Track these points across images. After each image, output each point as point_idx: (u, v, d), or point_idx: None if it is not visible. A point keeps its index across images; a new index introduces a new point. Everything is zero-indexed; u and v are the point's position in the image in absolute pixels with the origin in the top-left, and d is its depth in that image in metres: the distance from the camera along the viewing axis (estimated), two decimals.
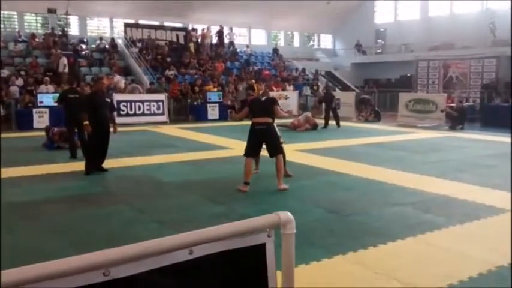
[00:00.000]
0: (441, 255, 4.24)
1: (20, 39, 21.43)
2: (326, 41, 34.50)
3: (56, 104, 11.78)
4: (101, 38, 23.45)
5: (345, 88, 25.34)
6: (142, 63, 21.46)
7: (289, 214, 1.51)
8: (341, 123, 16.13)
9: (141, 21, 24.98)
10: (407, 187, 6.95)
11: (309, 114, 15.82)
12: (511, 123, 13.62)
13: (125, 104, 16.92)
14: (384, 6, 30.54)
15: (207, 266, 1.36)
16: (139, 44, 23.04)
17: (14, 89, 16.63)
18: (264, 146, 6.88)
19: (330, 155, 9.75)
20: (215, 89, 20.01)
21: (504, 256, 4.13)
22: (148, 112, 17.47)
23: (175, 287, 1.31)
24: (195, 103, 18.89)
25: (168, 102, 18.08)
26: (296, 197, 6.34)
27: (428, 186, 6.97)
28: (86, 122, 7.74)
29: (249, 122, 6.89)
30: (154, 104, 17.63)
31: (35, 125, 14.73)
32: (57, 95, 12.93)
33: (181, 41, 24.63)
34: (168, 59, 22.53)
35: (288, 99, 19.67)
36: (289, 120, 14.02)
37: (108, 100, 8.58)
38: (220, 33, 26.11)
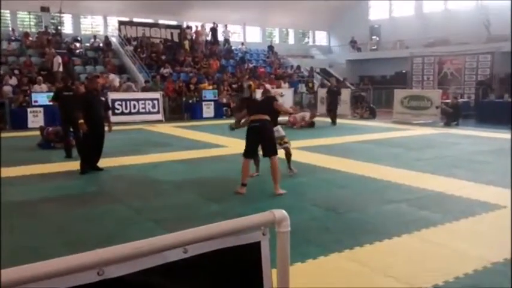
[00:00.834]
0: (437, 252, 4.25)
1: (13, 38, 21.30)
2: (321, 37, 34.52)
3: (50, 103, 11.73)
4: (95, 37, 23.36)
5: (341, 85, 25.35)
6: (137, 61, 21.39)
7: (284, 212, 1.51)
8: (337, 120, 16.16)
9: (136, 19, 24.88)
10: (403, 184, 6.97)
11: (307, 113, 15.77)
12: (511, 120, 13.63)
13: (120, 102, 16.89)
14: (379, 2, 30.56)
15: (201, 265, 1.35)
16: (133, 42, 22.95)
17: (8, 89, 16.53)
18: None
19: (326, 152, 9.76)
20: (210, 87, 19.99)
21: (499, 252, 4.15)
22: (144, 111, 17.44)
23: (170, 286, 1.31)
24: (190, 101, 18.86)
25: (163, 101, 18.05)
26: (292, 194, 6.34)
27: (423, 182, 6.99)
28: (81, 121, 7.71)
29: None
30: (150, 102, 17.61)
31: (30, 125, 14.68)
32: (52, 94, 12.90)
33: (176, 39, 24.56)
34: (163, 57, 22.47)
35: (283, 97, 19.65)
36: (285, 118, 14.01)
37: (103, 99, 8.56)
38: (213, 31, 26.06)
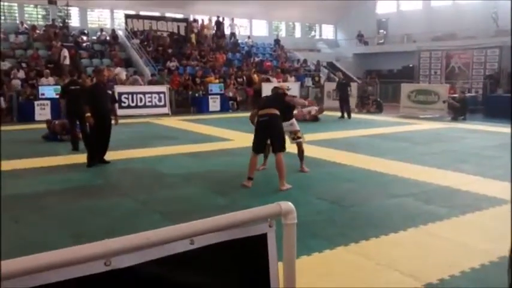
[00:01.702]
0: (443, 246, 4.24)
1: (20, 31, 21.36)
2: (328, 31, 34.34)
3: (57, 97, 11.78)
4: (101, 30, 23.37)
5: (347, 79, 25.25)
6: (144, 54, 21.40)
7: (291, 204, 1.51)
8: (351, 114, 16.15)
9: (142, 13, 24.87)
10: (409, 178, 6.95)
11: (314, 107, 15.73)
12: (511, 114, 13.55)
13: (126, 96, 16.92)
14: None
15: (208, 256, 1.36)
16: (140, 36, 22.96)
17: (16, 82, 16.62)
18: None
19: (332, 146, 9.74)
20: (216, 81, 19.98)
21: (506, 247, 4.12)
22: (150, 104, 17.46)
23: (177, 277, 1.31)
24: (197, 95, 18.86)
25: (170, 94, 18.06)
26: (298, 188, 6.34)
27: (430, 177, 6.97)
28: (88, 114, 7.72)
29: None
30: (156, 95, 17.62)
31: (37, 118, 14.74)
32: (59, 87, 12.94)
33: (182, 32, 24.54)
34: (169, 51, 22.46)
35: (290, 91, 19.64)
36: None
37: (110, 92, 8.57)
38: (218, 24, 26.01)
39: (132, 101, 17.08)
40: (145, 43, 22.45)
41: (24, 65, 18.39)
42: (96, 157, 7.97)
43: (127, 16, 23.94)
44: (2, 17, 22.48)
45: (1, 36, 19.41)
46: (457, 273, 3.62)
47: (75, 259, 1.15)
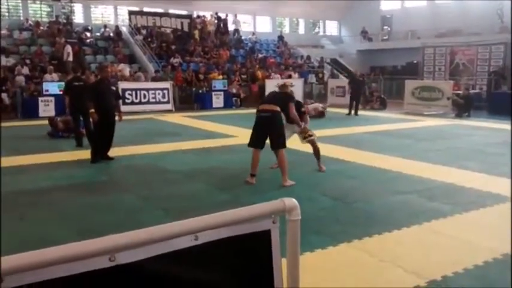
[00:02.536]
0: (446, 243, 4.24)
1: (24, 27, 21.40)
2: (332, 27, 34.23)
3: (61, 93, 11.81)
4: (105, 26, 23.38)
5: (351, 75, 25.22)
6: (147, 51, 21.41)
7: (294, 200, 1.51)
8: (346, 110, 16.08)
9: (146, 9, 24.88)
10: (413, 175, 6.94)
11: (319, 105, 15.76)
12: (511, 111, 13.49)
13: (130, 92, 16.94)
14: None
15: (212, 252, 1.36)
16: (143, 32, 22.96)
17: (20, 78, 16.67)
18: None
19: (335, 143, 9.73)
20: (220, 77, 19.98)
21: (510, 244, 4.12)
22: (154, 100, 17.48)
23: (181, 273, 1.32)
24: (200, 91, 18.87)
25: (173, 91, 18.07)
26: (302, 185, 6.34)
27: (434, 174, 6.95)
28: (92, 110, 7.74)
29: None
30: (160, 92, 17.64)
31: (41, 114, 14.76)
32: (62, 83, 12.96)
33: (186, 28, 24.53)
34: (173, 47, 22.46)
35: (293, 87, 19.64)
36: None
37: (114, 88, 8.58)
38: (219, 20, 25.96)
39: (136, 97, 17.11)
40: (149, 39, 22.46)
41: (28, 61, 18.43)
42: (99, 153, 7.99)
43: (131, 12, 23.94)
44: (6, 14, 22.52)
45: (1, 32, 19.40)
46: (461, 271, 3.62)
47: (79, 254, 1.16)
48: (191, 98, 18.88)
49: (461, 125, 13.32)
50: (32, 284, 1.11)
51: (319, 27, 34.43)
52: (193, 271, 1.34)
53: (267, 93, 10.70)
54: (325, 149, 8.99)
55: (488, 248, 4.07)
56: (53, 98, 15.05)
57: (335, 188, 6.27)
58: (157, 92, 17.58)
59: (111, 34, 22.83)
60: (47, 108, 14.93)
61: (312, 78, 23.78)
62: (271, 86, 17.36)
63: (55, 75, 16.83)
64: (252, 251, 1.48)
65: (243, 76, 21.36)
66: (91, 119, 8.06)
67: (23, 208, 5.33)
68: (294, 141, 7.46)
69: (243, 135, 10.36)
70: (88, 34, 22.42)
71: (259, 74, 21.11)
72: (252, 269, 1.50)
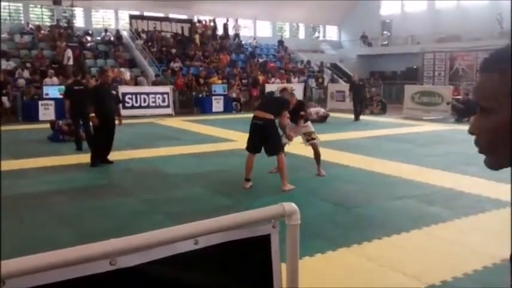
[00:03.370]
0: (446, 248, 4.24)
1: (25, 31, 21.45)
2: (332, 32, 34.32)
3: (61, 97, 11.83)
4: (106, 30, 23.45)
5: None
6: (148, 55, 21.46)
7: (294, 205, 1.51)
8: (346, 115, 16.10)
9: (146, 13, 24.95)
10: (412, 180, 6.94)
11: (321, 109, 15.78)
12: (511, 116, 13.48)
13: (130, 96, 16.97)
14: None
15: (212, 256, 1.37)
16: (144, 36, 23.01)
17: (21, 82, 16.70)
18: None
19: (335, 148, 9.73)
20: (220, 81, 20.01)
21: (509, 249, 4.12)
22: (154, 104, 17.51)
23: (181, 277, 1.32)
24: (200, 95, 18.89)
25: (173, 95, 18.10)
26: (301, 189, 6.34)
27: (433, 179, 6.96)
28: (92, 114, 7.76)
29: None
30: (160, 96, 17.67)
31: (41, 117, 14.79)
32: (63, 87, 12.99)
33: (186, 33, 24.59)
34: (173, 51, 22.51)
35: (294, 92, 19.67)
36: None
37: (114, 92, 8.60)
38: (214, 23, 25.95)
39: (136, 102, 17.14)
40: (150, 44, 22.52)
41: (28, 65, 18.47)
42: (99, 157, 7.99)
43: (131, 17, 24.02)
44: (8, 17, 22.58)
45: (1, 36, 19.44)
46: (460, 275, 3.62)
47: (80, 258, 1.16)
48: (191, 102, 18.91)
49: (461, 130, 13.31)
50: (33, 287, 1.11)
51: (319, 32, 34.52)
52: (194, 275, 1.35)
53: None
54: (324, 154, 8.99)
55: (488, 253, 4.07)
56: (53, 102, 15.08)
57: (334, 193, 6.27)
58: (157, 96, 17.62)
59: (112, 38, 22.88)
60: (47, 112, 14.95)
61: (312, 82, 23.82)
62: (272, 90, 17.41)
63: (55, 79, 16.86)
64: (251, 255, 1.49)
65: (243, 81, 21.40)
66: (91, 123, 8.08)
67: (23, 212, 5.33)
68: (293, 146, 7.47)
69: (242, 139, 10.33)
70: (89, 38, 22.48)
71: (260, 78, 21.14)
72: (252, 274, 1.50)
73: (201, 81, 19.72)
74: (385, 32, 30.89)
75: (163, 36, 23.61)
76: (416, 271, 3.71)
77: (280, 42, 28.17)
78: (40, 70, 17.97)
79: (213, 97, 18.63)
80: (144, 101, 17.32)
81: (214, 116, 17.13)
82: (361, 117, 16.32)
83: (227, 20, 26.62)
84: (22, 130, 12.82)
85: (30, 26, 22.10)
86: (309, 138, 7.26)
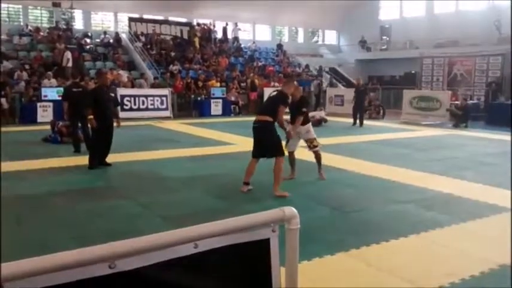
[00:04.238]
0: (443, 253, 4.24)
1: (24, 33, 21.44)
2: (330, 37, 34.39)
3: (60, 98, 11.82)
4: (105, 32, 23.45)
5: (349, 85, 25.29)
6: (147, 57, 21.46)
7: (294, 209, 1.52)
8: (344, 119, 16.10)
9: (146, 16, 24.97)
10: (410, 185, 6.95)
11: (321, 112, 15.82)
12: (511, 122, 13.54)
13: (128, 98, 16.97)
14: (389, 2, 30.39)
15: (211, 260, 1.37)
16: (143, 39, 23.02)
17: (20, 83, 16.67)
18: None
19: (333, 152, 9.73)
20: (218, 84, 20.02)
21: (506, 255, 4.13)
22: (152, 107, 17.51)
23: (180, 281, 1.32)
24: (199, 98, 18.90)
25: (172, 97, 18.10)
26: (299, 193, 6.34)
27: (431, 184, 6.97)
28: (91, 117, 7.76)
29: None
30: (158, 98, 17.67)
31: (39, 119, 14.78)
32: (61, 89, 12.98)
33: (185, 36, 24.61)
34: (172, 54, 22.52)
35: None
36: None
37: (112, 95, 8.60)
38: (209, 30, 25.87)
39: (135, 104, 17.14)
40: (149, 46, 22.53)
41: (27, 66, 18.45)
42: (97, 159, 7.98)
43: (131, 19, 24.04)
44: (7, 19, 22.58)
45: (1, 37, 19.43)
46: (457, 281, 3.62)
47: (79, 261, 1.16)
48: (190, 105, 18.91)
49: (459, 135, 13.35)
50: None
51: (318, 37, 34.58)
52: (193, 279, 1.35)
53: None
54: (323, 158, 8.98)
55: (485, 259, 4.08)
56: (51, 104, 15.06)
57: (333, 197, 6.27)
58: (155, 98, 17.62)
59: (111, 40, 22.89)
60: (45, 114, 14.93)
61: (311, 87, 23.82)
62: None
63: (54, 81, 16.84)
64: (251, 259, 1.49)
65: (242, 84, 21.41)
66: (89, 125, 8.07)
67: (21, 213, 5.32)
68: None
69: (241, 142, 10.38)
70: (88, 40, 22.47)
71: (257, 82, 21.14)
72: (251, 277, 1.50)
73: (200, 84, 19.72)
74: (383, 37, 30.95)
75: (162, 39, 23.62)
76: (414, 276, 3.71)
77: (279, 46, 28.22)
78: (39, 72, 17.95)
79: (212, 100, 18.64)
80: (143, 104, 17.32)
81: (213, 119, 17.13)
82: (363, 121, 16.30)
83: (226, 24, 26.65)
84: (20, 132, 12.80)
85: (29, 27, 22.09)
86: (310, 146, 7.17)
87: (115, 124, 8.20)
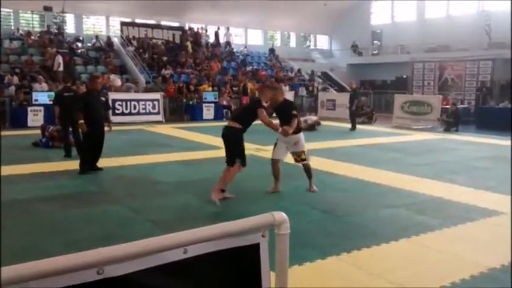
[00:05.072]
0: (434, 257, 4.26)
1: (15, 37, 21.31)
2: (322, 41, 34.55)
3: (51, 103, 11.75)
4: (97, 37, 23.38)
5: (341, 89, 25.40)
6: (139, 62, 21.42)
7: (284, 214, 1.52)
8: (337, 124, 16.14)
9: (138, 20, 24.93)
10: (402, 189, 6.98)
11: (313, 117, 15.84)
12: (511, 127, 13.60)
13: (120, 102, 16.91)
14: (381, 7, 30.61)
15: (201, 266, 1.36)
16: (135, 43, 22.97)
17: (11, 88, 16.55)
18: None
19: (325, 156, 9.75)
20: (210, 89, 20.02)
21: (497, 258, 4.15)
22: (144, 111, 17.45)
23: (170, 286, 1.31)
24: (191, 103, 18.88)
25: (164, 102, 18.06)
26: (290, 197, 6.35)
27: (422, 188, 7.00)
28: (81, 121, 7.71)
29: (257, 123, 6.34)
30: (150, 103, 17.63)
31: (30, 124, 14.68)
32: (52, 93, 12.91)
33: (177, 40, 24.60)
34: (164, 58, 22.49)
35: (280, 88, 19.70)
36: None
37: (103, 99, 8.56)
38: (198, 35, 25.84)
39: (126, 108, 17.07)
40: (141, 50, 22.48)
41: (18, 70, 18.33)
42: (88, 164, 7.94)
43: (122, 23, 24.00)
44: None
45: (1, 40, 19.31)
46: (448, 284, 3.63)
47: (67, 267, 1.15)
48: (181, 110, 18.88)
49: (450, 139, 13.44)
50: None
51: (310, 41, 34.73)
52: (182, 284, 1.34)
53: None
54: (315, 162, 9.01)
55: (476, 262, 4.10)
56: (42, 108, 14.97)
57: (324, 201, 6.28)
58: (147, 103, 17.57)
59: (103, 45, 22.82)
60: (35, 118, 14.83)
61: (303, 91, 23.91)
62: None
63: (45, 85, 16.75)
64: (241, 264, 1.48)
65: (234, 88, 21.41)
66: (80, 130, 8.03)
67: (9, 219, 5.27)
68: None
69: None
70: (79, 44, 22.38)
71: (250, 86, 21.16)
72: (241, 283, 1.50)
73: (192, 88, 19.70)
74: (375, 42, 31.16)
75: (154, 43, 23.59)
76: (405, 280, 3.72)
77: (272, 51, 28.29)
78: (30, 76, 17.84)
79: (204, 104, 18.62)
80: (134, 108, 17.26)
81: (205, 123, 17.11)
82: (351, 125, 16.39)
83: (218, 28, 26.68)
84: (10, 136, 12.69)
85: (20, 31, 21.98)
86: (298, 159, 6.75)
87: (106, 128, 8.16)
